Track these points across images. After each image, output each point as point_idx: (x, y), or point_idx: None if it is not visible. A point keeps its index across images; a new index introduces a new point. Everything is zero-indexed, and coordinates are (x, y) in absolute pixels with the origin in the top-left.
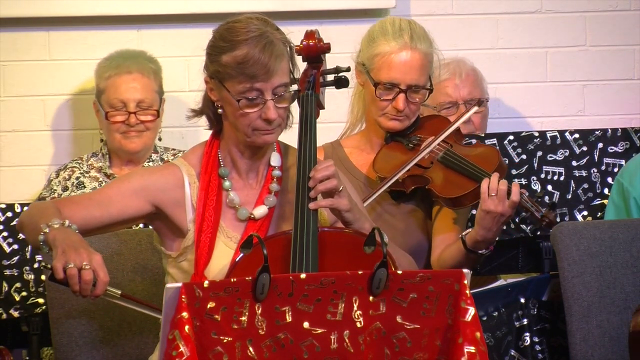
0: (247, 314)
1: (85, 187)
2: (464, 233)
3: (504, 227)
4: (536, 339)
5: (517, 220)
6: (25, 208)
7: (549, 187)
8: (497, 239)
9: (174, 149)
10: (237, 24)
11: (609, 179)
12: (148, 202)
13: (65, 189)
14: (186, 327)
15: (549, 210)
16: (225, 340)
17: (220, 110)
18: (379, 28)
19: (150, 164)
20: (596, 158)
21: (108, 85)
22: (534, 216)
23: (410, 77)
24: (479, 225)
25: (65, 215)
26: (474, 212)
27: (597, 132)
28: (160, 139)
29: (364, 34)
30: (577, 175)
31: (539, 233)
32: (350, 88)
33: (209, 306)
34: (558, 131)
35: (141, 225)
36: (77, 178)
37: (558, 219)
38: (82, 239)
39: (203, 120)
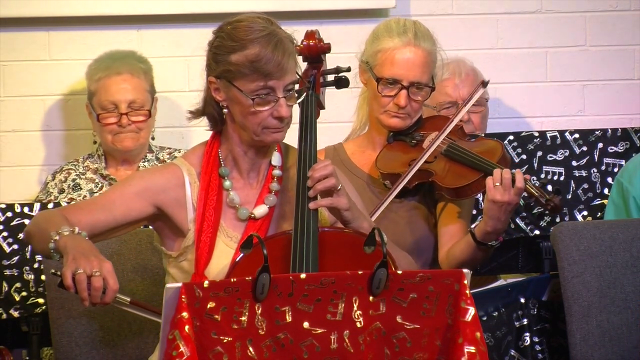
0: (247, 314)
1: (81, 188)
2: (472, 226)
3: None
4: (536, 339)
5: (522, 205)
6: (25, 208)
7: (549, 187)
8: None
9: (169, 148)
10: (242, 23)
11: (609, 179)
12: (150, 203)
13: (61, 191)
14: (186, 327)
15: (553, 195)
16: (225, 340)
17: (225, 110)
18: (384, 26)
19: (146, 163)
20: (596, 158)
21: (99, 87)
22: (539, 202)
23: (413, 74)
24: (487, 216)
25: (72, 222)
26: (474, 212)
27: (597, 132)
28: (153, 138)
29: (369, 34)
30: (577, 175)
31: (538, 233)
32: (350, 88)
33: (209, 306)
34: (558, 131)
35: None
36: (73, 180)
37: (566, 217)
38: (93, 246)
39: (203, 120)
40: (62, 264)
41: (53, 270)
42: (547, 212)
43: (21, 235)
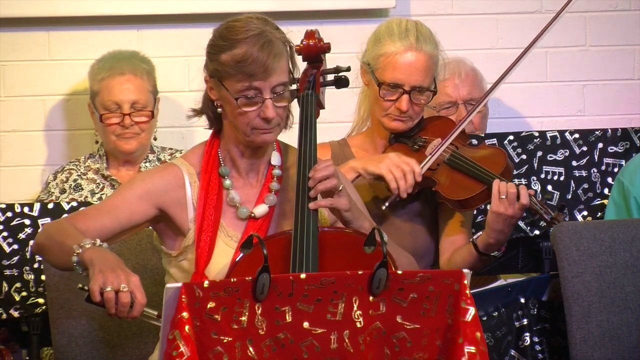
0: (247, 314)
1: (82, 189)
2: (475, 237)
3: None
4: (536, 339)
5: (526, 221)
6: (25, 208)
7: (549, 187)
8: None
9: (170, 149)
10: (236, 23)
11: (609, 179)
12: (152, 205)
13: (62, 191)
14: (186, 327)
15: (558, 212)
16: (225, 340)
17: (219, 110)
18: (385, 28)
19: (147, 164)
20: (596, 158)
21: (101, 88)
22: (543, 218)
23: (415, 78)
24: (490, 228)
25: (81, 230)
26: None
27: (597, 132)
28: (155, 139)
29: (371, 34)
30: (577, 175)
31: (538, 233)
32: (351, 87)
33: (209, 306)
34: (558, 131)
35: None
36: (75, 180)
37: (566, 217)
38: (119, 259)
39: (203, 120)
40: (89, 277)
41: (80, 285)
42: (551, 229)
43: (21, 235)
